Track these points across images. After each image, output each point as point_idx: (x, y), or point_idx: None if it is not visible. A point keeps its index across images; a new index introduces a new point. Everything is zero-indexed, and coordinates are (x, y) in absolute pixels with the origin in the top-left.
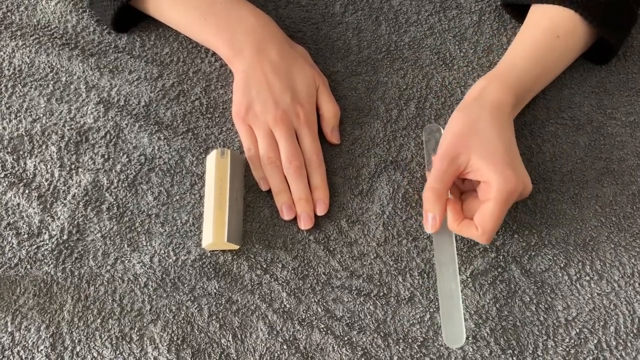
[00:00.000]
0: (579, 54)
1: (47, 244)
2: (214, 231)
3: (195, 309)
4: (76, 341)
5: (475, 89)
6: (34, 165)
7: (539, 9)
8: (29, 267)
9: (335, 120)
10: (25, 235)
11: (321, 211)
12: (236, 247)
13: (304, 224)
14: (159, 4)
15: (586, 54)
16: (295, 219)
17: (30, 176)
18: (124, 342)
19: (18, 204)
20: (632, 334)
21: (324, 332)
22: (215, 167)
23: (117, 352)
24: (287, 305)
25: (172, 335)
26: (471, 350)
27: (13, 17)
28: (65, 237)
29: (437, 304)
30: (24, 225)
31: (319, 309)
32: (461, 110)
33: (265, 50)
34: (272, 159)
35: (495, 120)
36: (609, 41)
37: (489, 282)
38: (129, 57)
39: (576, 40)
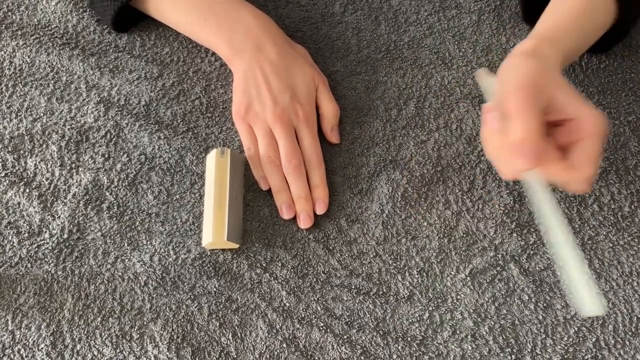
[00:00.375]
0: (602, 33)
1: (47, 243)
2: (214, 230)
3: (195, 307)
4: (76, 339)
5: (525, 47)
6: (35, 164)
7: None
8: (29, 265)
9: (335, 120)
10: (26, 235)
11: (321, 210)
12: (236, 246)
13: (304, 222)
14: (159, 5)
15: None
16: (294, 218)
17: (31, 175)
18: (124, 340)
19: (18, 203)
20: (630, 333)
21: (323, 331)
22: (215, 166)
23: (118, 351)
24: (287, 304)
25: (172, 333)
26: (470, 348)
27: (13, 17)
28: (65, 236)
29: (436, 302)
30: (25, 225)
31: (319, 308)
32: (522, 57)
33: (264, 49)
34: (272, 157)
35: (560, 73)
36: (621, 21)
37: (487, 280)
38: (129, 56)
39: (608, 11)
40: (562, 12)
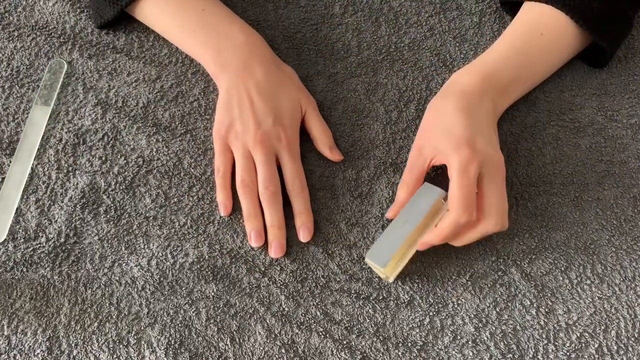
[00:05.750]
0: (570, 54)
1: (43, 247)
2: (392, 262)
3: (193, 312)
4: (73, 345)
5: (448, 81)
6: (32, 168)
7: (529, 6)
8: (25, 270)
9: (329, 140)
10: (22, 239)
11: (305, 237)
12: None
13: (275, 252)
14: (151, 12)
15: (584, 57)
16: (265, 246)
17: (28, 179)
18: (121, 345)
19: (16, 208)
20: (633, 338)
21: (322, 336)
22: (431, 206)
23: (114, 356)
24: (286, 309)
25: (170, 338)
26: (471, 354)
27: (11, 18)
28: (62, 240)
29: (436, 307)
30: (20, 230)
31: (318, 313)
32: (430, 104)
33: (250, 68)
34: (247, 182)
35: (458, 103)
36: (602, 45)
37: (489, 285)
38: (127, 58)
39: (564, 40)
40: (499, 39)
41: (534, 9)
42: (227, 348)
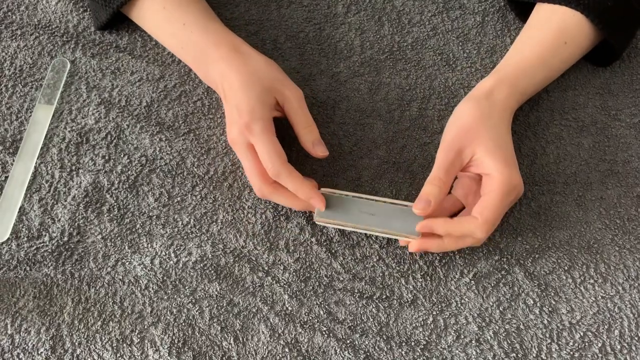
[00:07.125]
0: (582, 55)
1: (47, 246)
2: (328, 220)
3: (196, 311)
4: (76, 344)
5: (483, 87)
6: (35, 167)
7: (546, 9)
8: (28, 269)
9: (310, 134)
10: (25, 238)
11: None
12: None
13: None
14: (145, 22)
15: (587, 55)
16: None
17: (31, 178)
18: (124, 344)
19: (19, 207)
20: (636, 338)
21: (326, 335)
22: None
23: (118, 355)
24: (289, 308)
25: (173, 337)
26: (474, 353)
27: (14, 17)
28: (65, 238)
29: (440, 306)
30: (24, 229)
31: (321, 312)
32: (470, 104)
33: (230, 78)
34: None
35: (503, 120)
36: (613, 44)
37: (492, 284)
38: (130, 57)
39: (581, 45)
40: (527, 50)
41: (553, 13)
42: (230, 347)
